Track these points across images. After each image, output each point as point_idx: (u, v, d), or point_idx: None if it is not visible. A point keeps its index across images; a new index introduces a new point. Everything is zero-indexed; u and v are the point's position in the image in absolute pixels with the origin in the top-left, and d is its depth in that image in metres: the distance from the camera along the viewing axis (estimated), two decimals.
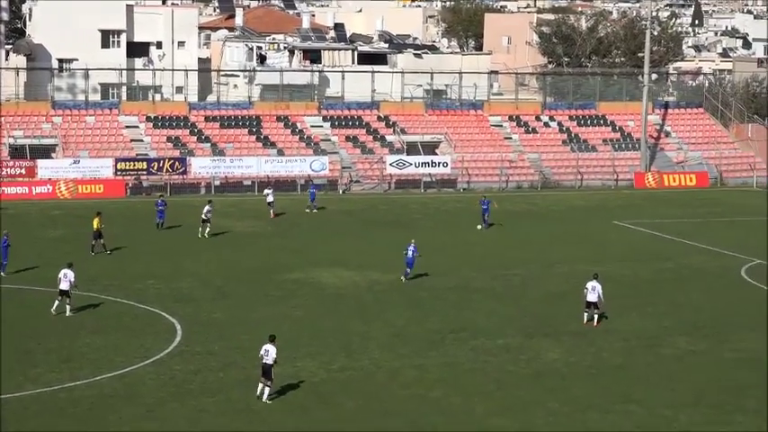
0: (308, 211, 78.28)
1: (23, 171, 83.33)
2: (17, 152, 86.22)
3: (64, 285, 47.12)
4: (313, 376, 40.49)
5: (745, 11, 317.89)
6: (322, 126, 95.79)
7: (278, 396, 37.78)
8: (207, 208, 67.00)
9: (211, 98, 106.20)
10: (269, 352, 36.68)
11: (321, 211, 78.88)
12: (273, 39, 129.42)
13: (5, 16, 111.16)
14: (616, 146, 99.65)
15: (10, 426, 34.65)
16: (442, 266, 59.84)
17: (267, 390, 36.51)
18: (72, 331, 45.66)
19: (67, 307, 47.54)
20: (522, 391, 39.34)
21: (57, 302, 47.48)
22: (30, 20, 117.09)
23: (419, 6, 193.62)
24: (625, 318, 49.49)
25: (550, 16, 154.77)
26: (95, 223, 61.40)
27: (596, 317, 47.62)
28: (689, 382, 40.59)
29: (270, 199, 75.67)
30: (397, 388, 39.42)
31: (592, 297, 47.36)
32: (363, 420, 35.94)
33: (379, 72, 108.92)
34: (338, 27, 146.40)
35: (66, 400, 37.36)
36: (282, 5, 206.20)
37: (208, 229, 66.78)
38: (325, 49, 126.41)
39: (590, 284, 47.70)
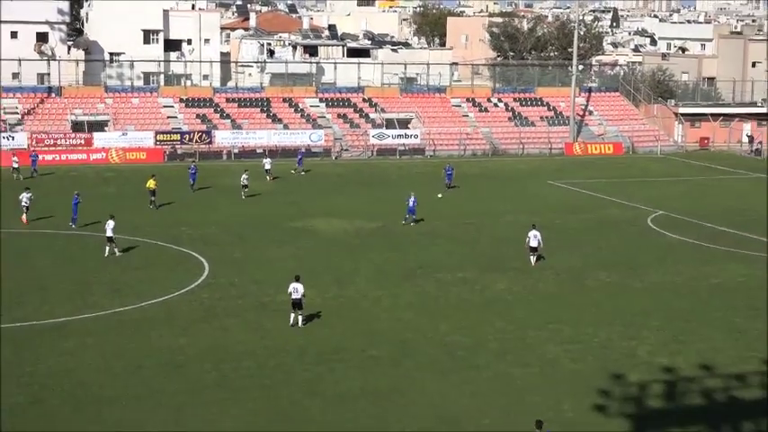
0: (293, 172, 77.52)
1: (83, 141, 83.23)
2: (77, 126, 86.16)
3: (108, 233, 46.88)
4: (311, 302, 40.47)
5: (652, 15, 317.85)
6: (319, 106, 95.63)
7: (281, 320, 37.94)
8: (244, 175, 64.50)
9: (231, 84, 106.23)
10: (297, 289, 36.35)
11: (317, 172, 78.76)
12: (280, 37, 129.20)
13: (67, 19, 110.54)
14: (550, 122, 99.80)
15: (72, 341, 34.83)
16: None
17: (300, 318, 36.62)
18: (121, 267, 45.77)
19: (115, 249, 47.45)
20: (475, 313, 39.62)
21: (106, 248, 47.31)
22: (87, 21, 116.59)
23: (395, 11, 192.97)
24: (557, 256, 49.70)
25: (499, 19, 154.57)
26: (151, 183, 60.77)
27: (535, 257, 47.52)
28: (607, 307, 40.94)
29: (267, 167, 74.05)
30: (379, 311, 39.70)
31: (533, 243, 47.19)
32: (352, 336, 36.21)
33: (363, 63, 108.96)
34: (331, 27, 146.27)
35: (117, 321, 37.56)
36: (287, 10, 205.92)
37: (244, 193, 64.51)
38: (320, 45, 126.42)
39: (531, 233, 47.36)
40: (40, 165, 77.58)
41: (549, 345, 35.73)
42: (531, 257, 47.55)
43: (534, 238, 47.26)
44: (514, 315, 39.40)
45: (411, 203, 57.01)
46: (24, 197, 54.61)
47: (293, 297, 36.43)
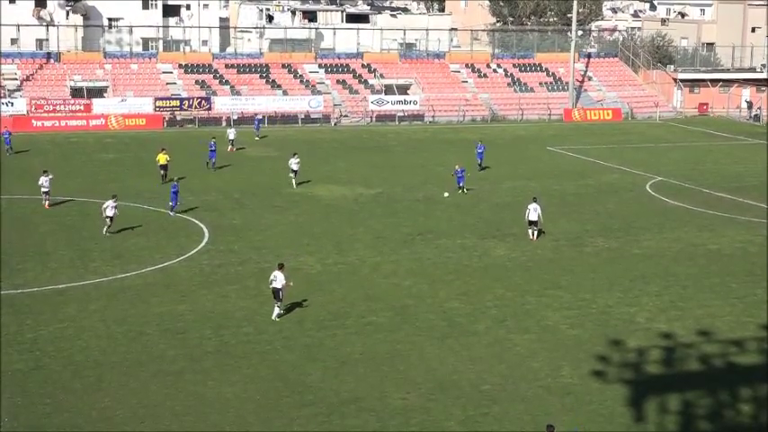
0: (257, 138, 76.82)
1: (82, 107, 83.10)
2: (77, 93, 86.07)
3: (109, 212, 44.96)
4: (311, 269, 40.74)
5: None
6: (318, 72, 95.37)
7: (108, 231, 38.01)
8: (295, 160, 57.84)
9: (230, 50, 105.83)
10: (277, 277, 33.79)
11: (316, 138, 78.60)
12: (279, 2, 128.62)
13: None
14: (549, 88, 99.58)
15: (73, 307, 34.88)
16: (413, 182, 59.98)
17: (277, 309, 34.00)
18: (121, 234, 45.75)
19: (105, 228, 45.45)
20: (474, 279, 39.66)
21: (105, 227, 45.24)
22: None
23: None
24: (555, 222, 49.68)
25: None
26: (162, 158, 58.05)
27: (536, 232, 46.13)
28: (605, 272, 40.99)
29: (231, 137, 71.94)
30: (378, 278, 39.72)
31: (533, 216, 45.74)
32: (353, 303, 36.26)
33: (362, 29, 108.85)
34: None
35: (118, 287, 37.61)
36: None
37: (294, 181, 57.52)
38: (320, 11, 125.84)
39: (531, 206, 45.98)
40: (37, 131, 77.53)
41: (547, 311, 35.80)
42: (531, 231, 46.11)
43: (534, 211, 45.80)
44: (513, 281, 39.44)
45: (460, 173, 56.75)
46: (44, 181, 50.34)
47: (273, 285, 33.87)
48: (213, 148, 64.02)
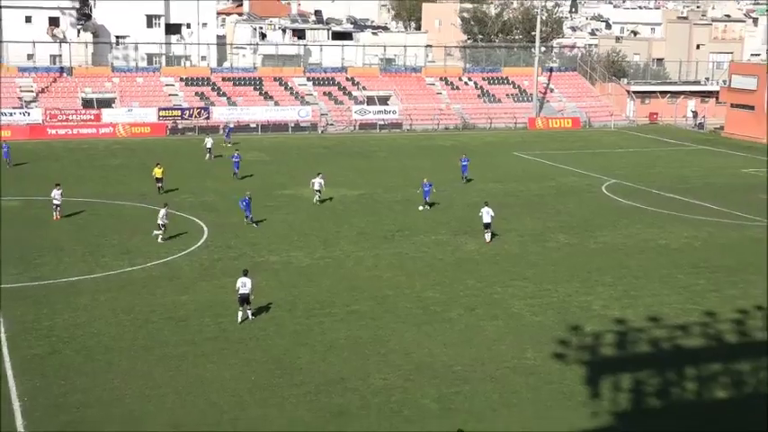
0: (228, 145, 74.35)
1: (92, 117, 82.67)
2: (87, 103, 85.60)
3: (163, 220, 43.19)
4: (300, 262, 40.80)
5: (607, 2, 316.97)
6: (306, 84, 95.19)
7: (273, 279, 38.03)
8: (318, 180, 53.37)
9: (226, 64, 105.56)
10: (245, 284, 32.25)
11: (305, 144, 78.62)
12: (271, 21, 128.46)
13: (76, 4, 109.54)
14: (515, 99, 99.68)
15: (85, 298, 34.85)
16: (392, 184, 60.06)
17: (249, 312, 32.55)
18: (129, 231, 45.68)
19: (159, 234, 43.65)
20: (448, 272, 39.80)
21: (159, 234, 43.48)
22: (95, 7, 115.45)
23: None
24: (520, 220, 49.89)
25: (469, 5, 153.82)
26: (157, 172, 55.34)
27: (490, 234, 45.03)
28: (565, 265, 41.19)
29: (209, 145, 69.45)
30: (361, 270, 39.81)
31: (487, 219, 44.65)
32: (338, 293, 36.35)
33: (347, 45, 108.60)
34: (317, 13, 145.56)
35: (126, 279, 37.58)
36: None
37: (318, 198, 53.44)
38: (308, 29, 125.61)
39: (484, 210, 44.84)
40: (52, 138, 77.27)
41: (513, 300, 35.98)
42: (486, 235, 44.95)
43: (487, 214, 44.71)
44: (483, 273, 39.61)
45: (426, 188, 52.32)
46: (56, 194, 47.84)
47: (241, 292, 32.28)
48: (236, 160, 61.93)
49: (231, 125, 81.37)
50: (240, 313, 32.45)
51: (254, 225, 46.74)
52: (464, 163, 62.06)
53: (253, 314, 32.76)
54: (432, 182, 52.81)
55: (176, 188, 56.29)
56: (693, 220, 51.00)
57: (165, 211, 43.86)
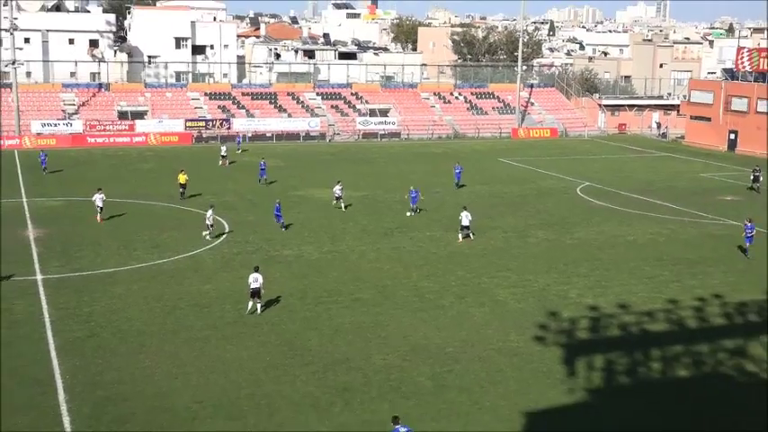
0: (239, 152, 74.93)
1: (127, 127, 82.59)
2: (123, 115, 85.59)
3: (209, 221, 42.43)
4: (310, 255, 40.64)
5: (581, 26, 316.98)
6: (316, 99, 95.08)
7: (286, 270, 37.86)
8: (338, 187, 51.63)
9: (245, 81, 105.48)
10: (257, 279, 31.35)
11: (315, 151, 78.47)
12: (285, 43, 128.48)
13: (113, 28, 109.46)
14: (500, 111, 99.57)
15: (120, 287, 34.68)
16: (391, 187, 59.88)
17: (259, 305, 31.63)
18: (159, 228, 45.52)
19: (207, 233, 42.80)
20: (441, 264, 39.64)
21: (207, 232, 42.76)
22: (129, 30, 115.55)
23: (377, 22, 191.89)
24: (504, 219, 49.72)
25: (459, 29, 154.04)
26: (182, 178, 53.01)
27: (470, 235, 43.97)
28: (544, 258, 41.02)
29: (223, 153, 69.29)
30: (364, 263, 39.63)
31: (465, 222, 43.64)
32: (343, 283, 36.19)
33: (351, 64, 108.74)
34: (326, 36, 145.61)
35: (156, 270, 37.41)
36: (290, 21, 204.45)
37: (342, 204, 51.25)
38: (317, 50, 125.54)
39: (463, 213, 43.84)
40: (91, 146, 77.19)
41: (498, 289, 35.80)
42: (460, 234, 43.77)
43: (466, 217, 43.67)
44: (471, 265, 39.43)
45: (413, 195, 50.31)
46: (97, 198, 46.37)
47: (252, 286, 31.39)
48: (263, 167, 60.45)
49: (240, 135, 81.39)
50: (250, 304, 31.65)
51: (283, 229, 45.29)
52: (457, 171, 60.73)
53: (262, 307, 31.79)
54: (418, 189, 51.09)
55: (200, 191, 56.05)
56: (658, 219, 50.82)
57: (211, 211, 42.99)
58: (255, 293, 31.60)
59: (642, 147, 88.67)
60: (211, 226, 42.75)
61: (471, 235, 44.16)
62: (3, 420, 22.65)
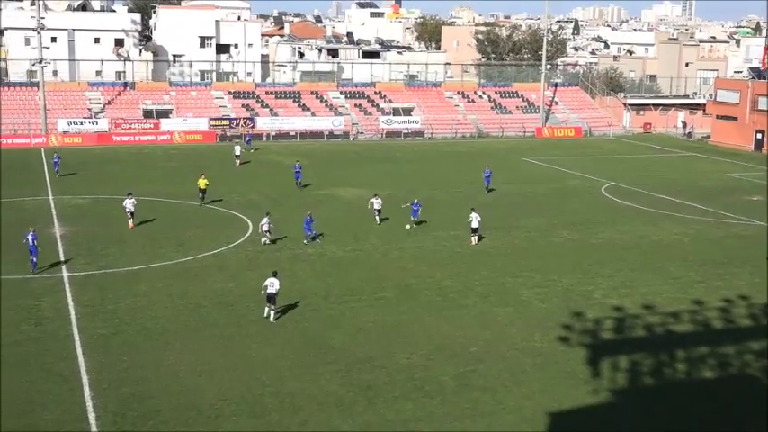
0: (252, 151, 74.09)
1: (152, 126, 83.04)
2: (148, 114, 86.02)
3: (265, 228, 41.11)
4: (334, 254, 40.69)
5: (606, 25, 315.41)
6: (339, 98, 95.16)
7: (310, 269, 37.92)
8: (377, 200, 47.52)
9: (269, 80, 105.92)
10: (273, 284, 30.55)
11: (338, 150, 78.52)
12: (308, 42, 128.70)
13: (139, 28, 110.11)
14: (524, 110, 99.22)
15: (145, 285, 34.88)
16: (415, 186, 59.83)
17: (272, 312, 30.79)
18: (184, 226, 45.74)
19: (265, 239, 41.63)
20: (464, 263, 39.58)
21: (264, 239, 41.61)
22: (154, 29, 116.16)
23: (401, 21, 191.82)
24: (529, 218, 49.57)
25: (483, 28, 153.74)
26: (202, 183, 50.46)
27: (477, 238, 43.00)
28: (569, 258, 40.87)
29: (237, 152, 68.49)
30: (387, 262, 39.65)
31: (475, 224, 42.70)
32: (367, 281, 36.21)
33: (375, 63, 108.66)
34: (349, 35, 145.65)
35: (181, 268, 37.61)
36: (314, 21, 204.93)
37: (377, 216, 47.34)
38: (341, 49, 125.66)
39: (473, 215, 42.89)
40: (117, 145, 77.73)
41: (522, 288, 35.69)
42: (473, 237, 42.90)
43: (476, 219, 42.76)
44: (495, 265, 39.34)
45: (414, 207, 46.79)
46: (128, 203, 44.72)
47: (269, 291, 30.58)
48: (298, 170, 58.74)
49: (249, 135, 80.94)
50: (266, 309, 30.96)
51: (316, 240, 42.77)
52: (486, 174, 58.51)
53: (276, 314, 30.80)
54: (421, 202, 47.32)
55: (225, 189, 56.28)
56: (683, 219, 50.47)
57: (267, 218, 41.38)
58: (270, 299, 30.73)
59: (667, 146, 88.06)
60: (269, 232, 41.36)
61: (475, 239, 42.92)
62: (30, 415, 22.86)
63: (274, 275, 31.03)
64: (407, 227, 46.03)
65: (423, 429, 22.56)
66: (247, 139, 79.05)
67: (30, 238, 36.27)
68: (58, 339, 28.57)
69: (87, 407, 23.50)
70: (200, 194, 50.55)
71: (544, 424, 23.27)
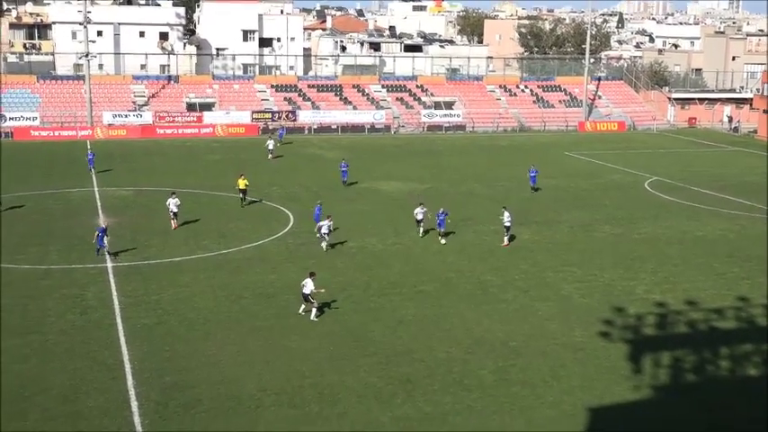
0: (278, 145, 72.06)
1: (195, 119, 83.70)
2: (191, 107, 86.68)
3: (324, 230, 39.38)
4: (374, 247, 40.75)
5: (651, 18, 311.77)
6: (381, 91, 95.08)
7: (350, 261, 37.98)
8: (422, 209, 42.67)
9: (311, 73, 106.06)
10: (306, 284, 30.09)
11: (379, 144, 78.54)
12: (350, 36, 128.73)
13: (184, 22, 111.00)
14: (567, 104, 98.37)
15: (187, 276, 35.22)
16: (456, 179, 59.71)
17: (311, 309, 30.35)
18: (225, 218, 46.08)
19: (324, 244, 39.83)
20: (505, 258, 39.42)
21: (323, 241, 39.87)
22: (198, 23, 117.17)
23: (443, 15, 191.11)
24: (571, 212, 49.20)
25: (526, 21, 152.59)
26: (241, 183, 48.86)
27: (507, 238, 41.65)
28: (610, 253, 40.51)
29: (270, 147, 67.72)
30: (427, 255, 39.61)
31: (507, 223, 41.24)
32: (407, 275, 36.22)
33: (417, 57, 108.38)
34: (391, 28, 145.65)
35: (223, 260, 37.92)
36: (356, 14, 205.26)
37: (421, 229, 42.87)
38: (383, 42, 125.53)
39: (505, 214, 41.40)
40: (160, 137, 78.52)
41: (563, 283, 35.47)
42: (506, 237, 41.55)
43: (507, 218, 41.20)
44: (536, 259, 39.13)
45: (439, 217, 42.01)
46: (171, 203, 43.12)
47: (303, 291, 30.27)
48: (344, 168, 57.10)
49: (282, 129, 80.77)
50: (302, 306, 30.63)
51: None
52: (533, 174, 56.10)
53: (315, 313, 30.25)
54: (447, 211, 42.54)
55: (266, 183, 56.59)
56: (728, 215, 49.75)
57: (329, 222, 39.56)
58: (305, 298, 30.33)
59: (713, 141, 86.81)
60: (327, 235, 39.55)
61: (509, 239, 41.67)
62: (75, 403, 23.25)
63: (311, 276, 30.40)
64: (442, 242, 41.57)
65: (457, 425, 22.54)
66: (279, 132, 79.21)
67: (100, 233, 37.36)
68: (102, 328, 28.99)
69: (130, 395, 23.84)
70: (241, 195, 49.05)
71: (584, 419, 23.12)
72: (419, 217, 42.16)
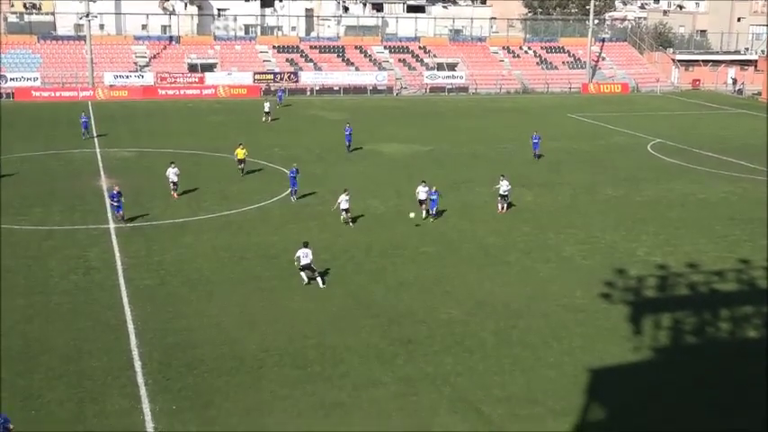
0: (277, 107, 72.10)
1: (197, 80, 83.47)
2: (193, 68, 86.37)
3: (344, 205, 37.24)
4: (376, 209, 40.74)
5: None
6: (383, 52, 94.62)
7: (352, 223, 37.99)
8: (424, 188, 39.13)
9: (313, 34, 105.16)
10: (307, 254, 29.25)
11: (381, 106, 78.21)
12: None
13: None
14: (570, 66, 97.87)
15: (190, 237, 35.27)
16: (458, 141, 59.55)
17: (319, 278, 29.69)
18: (227, 179, 46.04)
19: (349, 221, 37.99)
20: (507, 220, 39.40)
21: (342, 217, 37.91)
22: None
23: None
24: (573, 174, 49.09)
25: None
26: (240, 153, 47.22)
27: (506, 205, 40.59)
28: (612, 215, 40.50)
29: (267, 109, 66.65)
30: (429, 217, 39.54)
31: (505, 191, 40.29)
32: (408, 236, 36.24)
33: (420, 18, 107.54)
34: None
35: (225, 221, 37.97)
36: None
37: (424, 214, 39.03)
38: (385, 2, 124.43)
39: (502, 182, 40.28)
40: (162, 98, 78.12)
41: (565, 245, 35.51)
42: (500, 204, 40.38)
43: (504, 185, 40.20)
44: (538, 221, 39.13)
45: (432, 196, 39.40)
46: (171, 173, 41.73)
47: (303, 262, 29.27)
48: (348, 133, 55.06)
49: (281, 90, 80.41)
50: (303, 276, 29.67)
51: (293, 198, 41.31)
52: (535, 140, 54.09)
53: (323, 277, 29.83)
54: (439, 190, 40.00)
55: (269, 144, 56.45)
56: (730, 177, 49.66)
57: (345, 195, 37.46)
58: (307, 268, 29.51)
59: (717, 103, 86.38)
60: (346, 210, 37.53)
61: (504, 207, 40.47)
62: (78, 362, 23.41)
63: (306, 246, 29.56)
64: (411, 215, 38.16)
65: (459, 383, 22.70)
66: (279, 94, 78.80)
67: (113, 195, 37.11)
68: (105, 289, 29.11)
69: (133, 355, 23.99)
70: (240, 165, 47.39)
71: (584, 380, 23.26)
72: (421, 197, 39.00)
